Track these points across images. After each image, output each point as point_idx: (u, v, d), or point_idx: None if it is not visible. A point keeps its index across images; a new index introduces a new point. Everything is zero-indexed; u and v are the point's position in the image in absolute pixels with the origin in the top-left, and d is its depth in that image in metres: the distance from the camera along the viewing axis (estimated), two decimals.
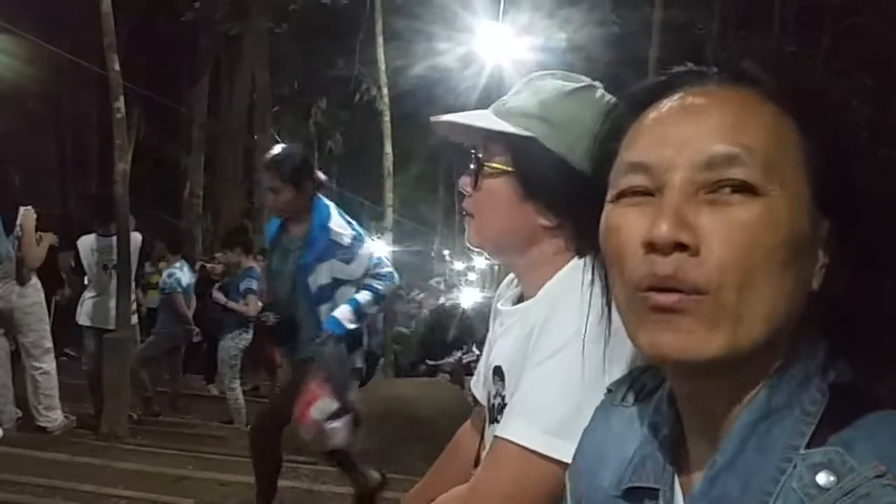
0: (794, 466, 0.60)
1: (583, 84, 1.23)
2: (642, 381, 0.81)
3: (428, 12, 13.31)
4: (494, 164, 1.20)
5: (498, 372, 1.24)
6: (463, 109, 1.29)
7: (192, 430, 6.95)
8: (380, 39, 11.63)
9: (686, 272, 0.61)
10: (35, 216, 5.62)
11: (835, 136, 0.64)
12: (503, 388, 1.21)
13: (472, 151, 1.25)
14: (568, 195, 1.14)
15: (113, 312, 6.35)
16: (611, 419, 0.82)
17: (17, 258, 5.50)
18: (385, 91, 12.82)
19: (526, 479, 1.02)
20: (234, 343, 7.26)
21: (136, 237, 6.58)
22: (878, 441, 0.58)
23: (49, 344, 5.82)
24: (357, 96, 17.21)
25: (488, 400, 1.29)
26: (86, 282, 6.73)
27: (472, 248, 1.30)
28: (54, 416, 5.79)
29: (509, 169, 1.19)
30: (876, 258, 0.64)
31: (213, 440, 6.42)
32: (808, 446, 0.61)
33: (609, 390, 0.85)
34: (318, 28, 16.52)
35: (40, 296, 5.87)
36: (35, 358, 5.70)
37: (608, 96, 1.21)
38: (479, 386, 1.44)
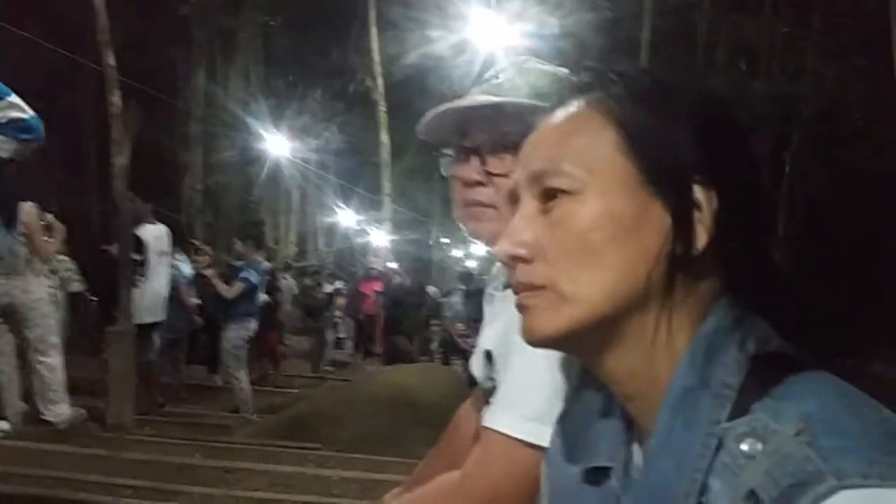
0: (722, 440, 0.61)
1: (564, 71, 1.24)
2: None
3: (420, 1, 13.30)
4: None
5: (488, 356, 1.25)
6: (457, 97, 1.27)
7: (197, 420, 7.02)
8: (373, 29, 11.67)
9: (524, 276, 0.73)
10: (37, 212, 5.65)
11: (651, 117, 0.71)
12: (492, 371, 1.22)
13: (467, 144, 1.21)
14: None
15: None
16: (579, 405, 0.84)
17: (22, 256, 5.55)
18: (380, 81, 12.85)
19: (513, 467, 1.04)
20: (238, 332, 7.34)
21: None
22: (799, 401, 0.60)
23: (55, 339, 5.85)
24: (352, 86, 17.22)
25: (484, 382, 1.30)
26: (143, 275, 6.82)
27: (482, 241, 1.25)
28: (59, 411, 5.82)
29: None
30: (743, 217, 0.69)
31: (219, 429, 6.49)
32: (731, 418, 0.62)
33: (580, 375, 0.87)
34: (312, 19, 16.50)
35: (44, 290, 5.91)
36: (40, 353, 5.72)
37: None
38: (476, 367, 1.48)
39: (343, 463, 4.90)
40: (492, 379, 1.21)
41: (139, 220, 6.74)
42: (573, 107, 0.75)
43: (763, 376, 0.64)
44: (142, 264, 6.71)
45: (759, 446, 0.59)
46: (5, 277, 5.47)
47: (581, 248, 0.69)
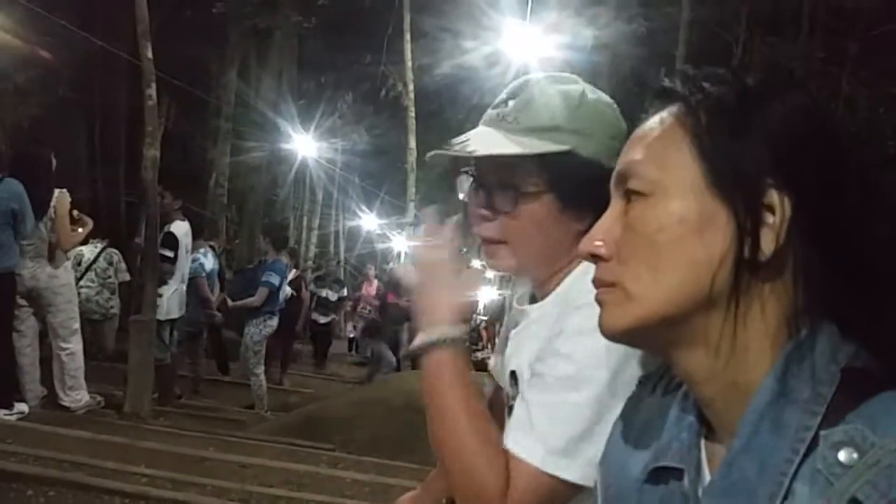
0: (812, 447, 0.62)
1: (579, 83, 1.21)
2: (673, 373, 0.84)
3: (455, 10, 13.33)
4: (531, 188, 1.15)
5: (513, 376, 1.24)
6: (487, 108, 1.26)
7: (213, 414, 7.05)
8: (407, 36, 11.70)
9: (599, 273, 0.77)
10: (69, 199, 5.71)
11: (721, 122, 0.71)
12: (517, 392, 1.21)
13: (473, 175, 1.22)
14: (605, 195, 1.17)
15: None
16: (641, 409, 0.85)
17: (49, 241, 5.61)
18: (410, 87, 12.88)
19: (536, 493, 1.04)
20: (259, 329, 7.39)
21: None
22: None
23: (76, 325, 5.90)
24: (383, 92, 17.29)
25: (507, 400, 1.29)
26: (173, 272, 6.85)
27: (500, 272, 1.25)
28: (78, 397, 5.88)
29: (546, 188, 1.15)
30: (825, 225, 0.68)
31: (233, 424, 6.51)
32: (821, 427, 0.63)
33: (640, 382, 0.89)
34: (347, 24, 16.60)
35: (70, 277, 5.98)
36: (62, 338, 5.78)
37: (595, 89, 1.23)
38: (498, 373, 1.44)
39: (356, 465, 4.90)
40: (515, 398, 1.20)
41: (168, 216, 6.78)
42: (659, 112, 0.77)
43: (855, 389, 0.64)
44: (174, 261, 6.76)
45: (856, 456, 0.60)
46: (33, 261, 5.54)
47: (648, 249, 0.72)
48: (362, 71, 17.51)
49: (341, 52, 17.27)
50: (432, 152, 1.22)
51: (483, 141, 1.16)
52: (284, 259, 7.90)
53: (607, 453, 0.87)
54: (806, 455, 0.63)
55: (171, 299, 6.76)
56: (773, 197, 0.68)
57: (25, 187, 5.18)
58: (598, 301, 0.77)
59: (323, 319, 12.33)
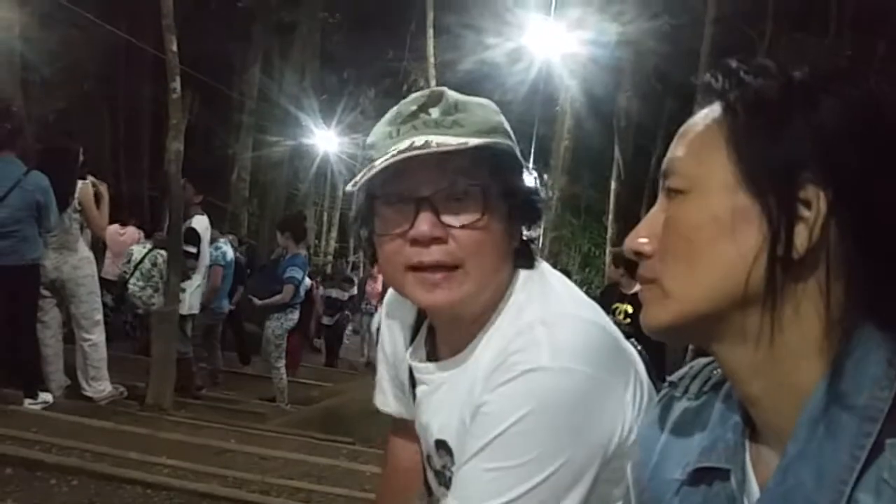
0: (874, 455, 0.60)
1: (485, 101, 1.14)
2: (706, 374, 0.83)
3: (479, 6, 13.30)
4: (493, 192, 1.05)
5: (443, 446, 1.14)
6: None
7: (234, 406, 7.08)
8: (430, 32, 11.67)
9: (642, 269, 0.77)
10: (93, 190, 5.75)
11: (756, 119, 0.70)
12: (452, 462, 1.13)
13: (416, 195, 1.04)
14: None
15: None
16: (673, 411, 0.84)
17: (82, 231, 5.70)
18: (433, 84, 12.83)
19: None
20: (280, 323, 7.42)
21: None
22: None
23: (99, 316, 5.95)
24: (405, 87, 17.30)
25: (435, 469, 1.21)
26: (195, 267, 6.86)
27: (449, 309, 1.07)
28: (101, 387, 5.92)
29: (502, 191, 1.06)
30: (866, 222, 0.66)
31: (254, 416, 6.54)
32: (882, 434, 0.61)
33: (671, 383, 0.87)
34: (370, 19, 16.61)
35: (93, 268, 6.02)
36: (85, 329, 5.83)
37: None
38: (388, 402, 1.38)
39: (375, 459, 4.89)
40: (450, 470, 1.13)
41: (188, 210, 6.79)
42: (702, 109, 0.76)
43: None
44: (197, 256, 6.78)
45: None
46: (57, 252, 5.58)
47: (684, 246, 0.72)
48: (384, 66, 17.53)
49: (364, 48, 17.28)
50: (360, 178, 1.04)
51: (446, 140, 1.01)
52: (303, 252, 7.89)
53: (642, 457, 0.86)
54: (868, 463, 0.61)
55: (193, 294, 6.79)
56: (810, 191, 0.66)
57: (51, 180, 5.23)
58: (643, 297, 0.77)
59: (328, 321, 12.34)
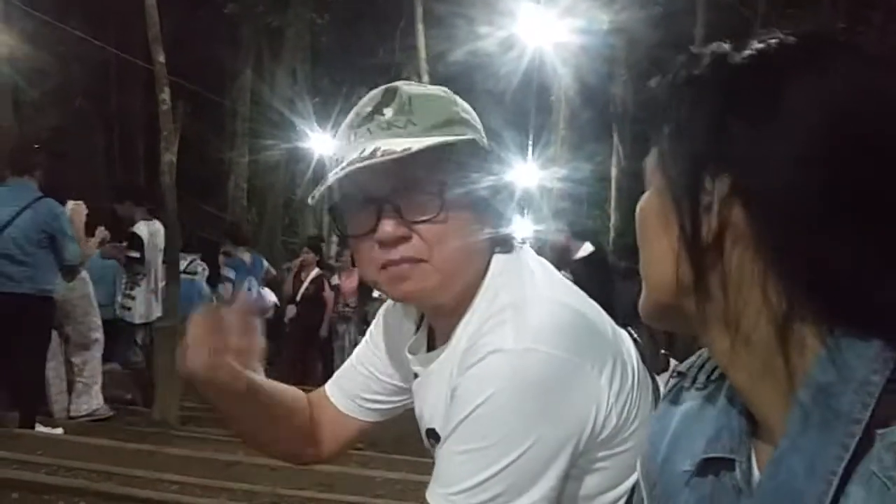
0: (866, 446, 0.58)
1: (428, 85, 1.20)
2: (713, 363, 0.81)
3: None
4: (455, 185, 1.07)
5: (433, 434, 1.18)
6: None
7: None
8: (420, 26, 11.64)
9: None
10: (85, 211, 5.69)
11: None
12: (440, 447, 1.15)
13: (378, 196, 1.07)
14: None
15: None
16: (682, 402, 0.82)
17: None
18: (426, 78, 12.77)
19: None
20: None
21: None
22: None
23: (95, 335, 5.93)
24: None
25: (433, 458, 1.20)
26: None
27: (414, 304, 1.17)
28: (92, 406, 5.89)
29: (466, 183, 1.08)
30: (774, 207, 0.64)
31: None
32: (874, 418, 0.58)
33: (679, 373, 0.86)
34: (359, 17, 16.58)
35: (88, 289, 5.98)
36: (78, 348, 5.83)
37: None
38: (344, 397, 1.38)
39: (386, 464, 4.86)
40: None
41: (132, 220, 6.63)
42: None
43: None
44: (142, 262, 6.56)
45: None
46: None
47: (641, 238, 0.76)
48: (376, 64, 17.47)
49: (355, 47, 17.24)
50: (316, 192, 1.11)
51: (392, 145, 1.03)
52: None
53: (649, 448, 0.84)
54: (858, 455, 0.58)
55: (142, 302, 6.59)
56: (708, 178, 0.67)
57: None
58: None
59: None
